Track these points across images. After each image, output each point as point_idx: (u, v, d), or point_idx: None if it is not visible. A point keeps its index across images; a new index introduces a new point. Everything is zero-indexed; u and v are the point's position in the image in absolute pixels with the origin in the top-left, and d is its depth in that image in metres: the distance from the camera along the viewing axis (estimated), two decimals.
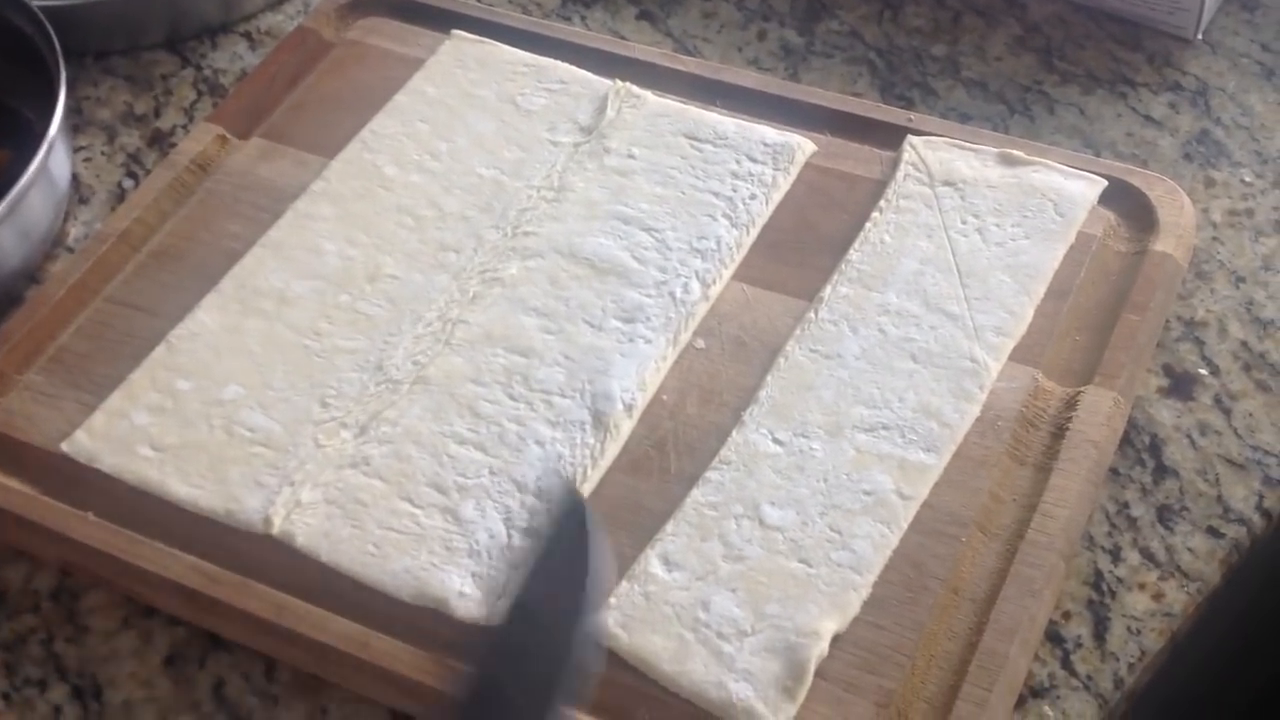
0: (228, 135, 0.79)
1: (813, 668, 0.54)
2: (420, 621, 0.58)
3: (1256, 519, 0.63)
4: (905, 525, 0.59)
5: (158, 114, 0.88)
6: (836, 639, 0.56)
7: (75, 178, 0.83)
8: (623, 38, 0.86)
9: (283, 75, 0.82)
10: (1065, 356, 0.65)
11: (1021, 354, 0.64)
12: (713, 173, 0.73)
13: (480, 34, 0.82)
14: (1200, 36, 0.82)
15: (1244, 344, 0.68)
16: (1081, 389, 0.63)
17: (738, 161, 0.73)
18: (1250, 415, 0.66)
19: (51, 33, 0.78)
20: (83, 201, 0.83)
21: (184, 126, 0.86)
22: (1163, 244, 0.68)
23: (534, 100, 0.78)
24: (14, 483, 0.65)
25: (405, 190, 0.74)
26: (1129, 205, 0.70)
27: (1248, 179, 0.75)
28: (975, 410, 0.62)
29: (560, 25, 0.86)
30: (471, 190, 0.74)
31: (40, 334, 0.70)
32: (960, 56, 0.84)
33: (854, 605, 0.56)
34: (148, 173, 0.82)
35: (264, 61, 0.84)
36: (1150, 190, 0.70)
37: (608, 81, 0.78)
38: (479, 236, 0.72)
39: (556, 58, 0.81)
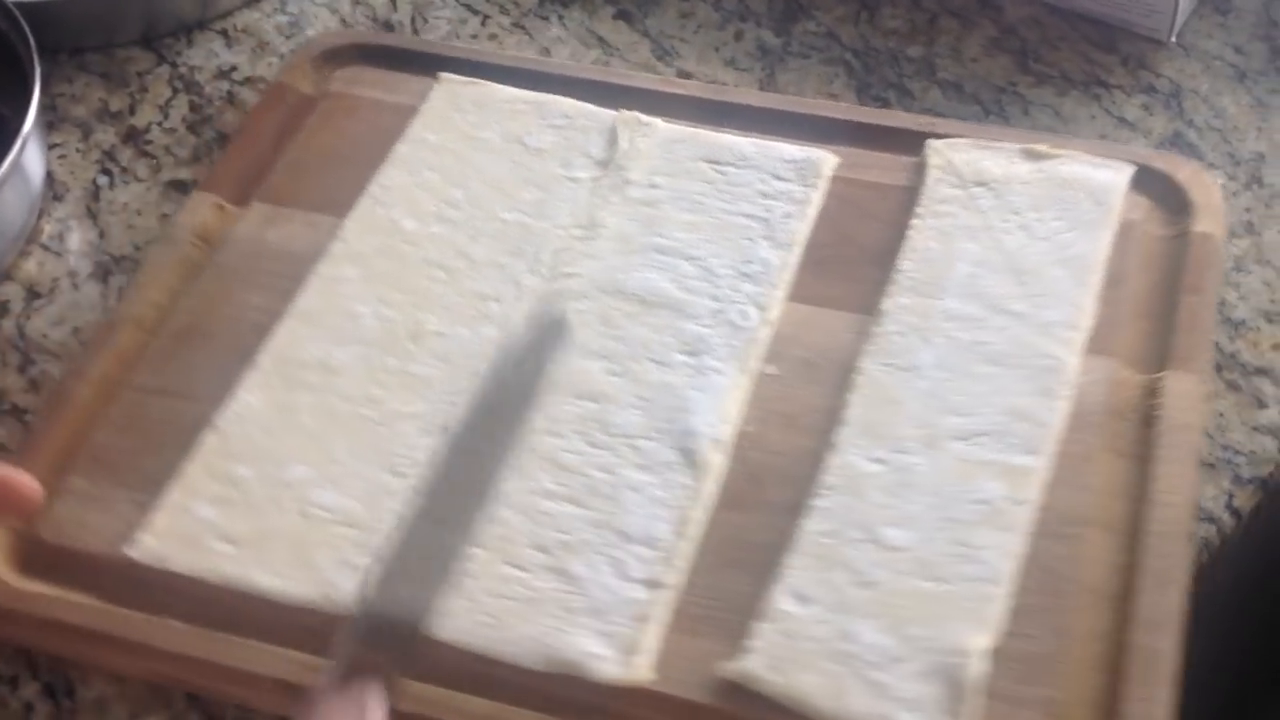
0: (224, 204, 0.75)
1: (973, 686, 0.54)
2: (555, 689, 0.56)
3: (1226, 518, 0.64)
4: (1026, 530, 0.58)
5: (133, 111, 0.86)
6: (989, 654, 0.55)
7: (49, 175, 0.81)
8: (601, 38, 0.86)
9: (268, 135, 0.79)
10: (1136, 344, 0.66)
11: (1094, 346, 0.65)
12: (741, 195, 0.72)
13: (465, 74, 0.80)
14: (1174, 39, 0.83)
15: (1215, 344, 0.69)
16: (1160, 375, 0.64)
17: (764, 181, 0.72)
18: (1221, 415, 0.67)
19: (26, 29, 0.76)
20: (57, 199, 0.81)
21: (159, 124, 0.85)
22: (1202, 225, 0.69)
23: (541, 138, 0.76)
24: (77, 596, 0.60)
25: (429, 243, 0.72)
26: (1159, 189, 0.71)
27: (1220, 181, 0.76)
28: (1065, 407, 0.62)
29: (548, 60, 0.85)
30: (498, 236, 0.72)
31: (71, 435, 0.66)
32: (936, 58, 0.85)
33: (997, 617, 0.56)
34: (124, 170, 0.82)
35: (245, 123, 0.81)
36: (1177, 173, 0.72)
37: (612, 112, 0.77)
38: (517, 283, 0.69)
39: (549, 92, 0.79)
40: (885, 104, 0.81)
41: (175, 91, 0.87)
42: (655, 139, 0.75)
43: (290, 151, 0.78)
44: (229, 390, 0.66)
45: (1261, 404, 0.67)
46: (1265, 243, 0.72)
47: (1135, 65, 0.83)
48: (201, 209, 0.75)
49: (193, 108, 0.86)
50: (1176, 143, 0.78)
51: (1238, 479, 0.65)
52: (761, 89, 0.82)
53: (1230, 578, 0.68)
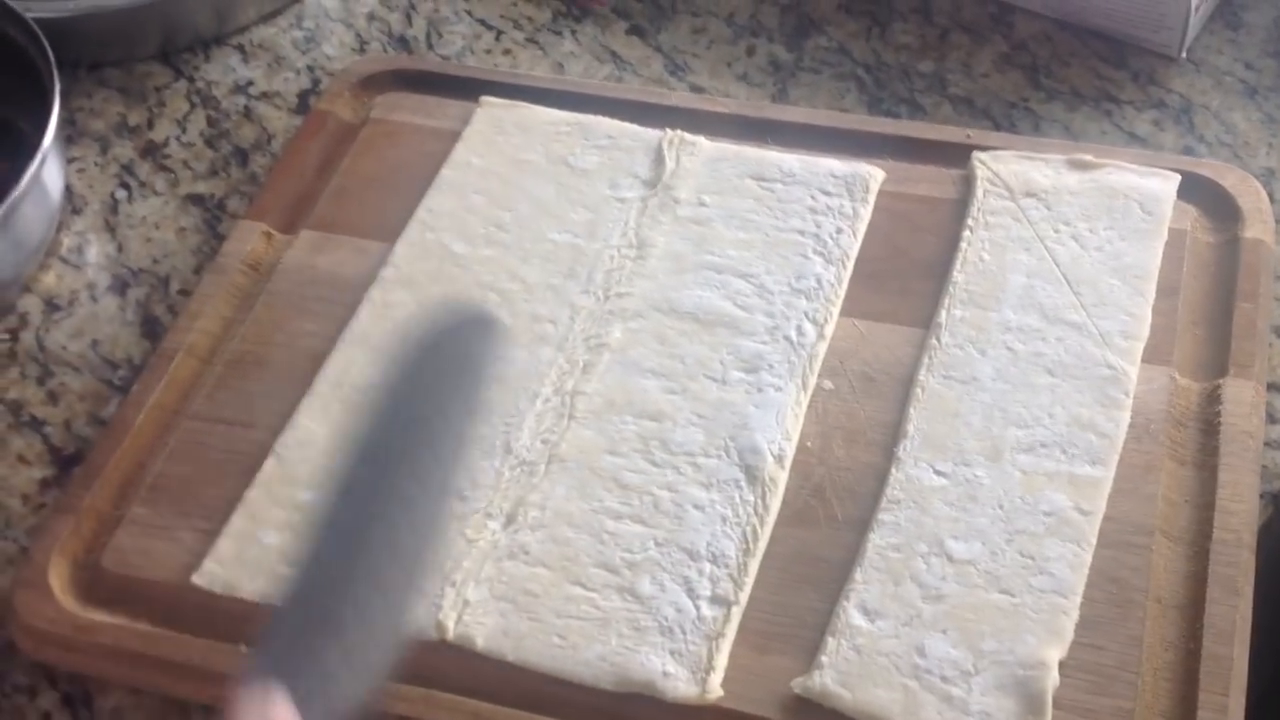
0: (272, 231, 0.76)
1: (1050, 699, 0.54)
2: (628, 709, 0.56)
3: None
4: (1094, 541, 0.58)
5: (151, 125, 0.87)
6: (1060, 665, 0.55)
7: (68, 188, 0.82)
8: (614, 53, 0.87)
9: (312, 162, 0.79)
10: (1193, 352, 0.66)
11: (1151, 355, 0.65)
12: (791, 210, 0.72)
13: (504, 97, 0.80)
14: (1184, 54, 0.83)
15: None
16: (1219, 382, 0.64)
17: (813, 197, 0.73)
18: None
19: (45, 44, 0.77)
20: (75, 212, 0.82)
21: (177, 138, 0.86)
22: (1252, 230, 0.69)
23: (586, 159, 0.76)
24: (145, 626, 0.60)
25: (481, 266, 0.72)
26: (1206, 197, 0.71)
27: None
28: (1126, 416, 0.62)
29: (588, 80, 0.85)
30: (549, 258, 0.72)
31: (129, 464, 0.66)
32: (947, 73, 0.85)
33: (1069, 629, 0.56)
34: (142, 184, 0.83)
35: (287, 150, 0.81)
36: (1223, 180, 0.72)
37: (655, 131, 0.77)
38: (572, 304, 0.69)
39: (590, 113, 0.79)
40: (896, 119, 0.82)
41: (193, 106, 0.88)
42: (700, 158, 0.75)
43: (335, 178, 0.78)
44: (287, 417, 0.66)
45: (1273, 419, 0.67)
46: (1277, 258, 0.72)
47: (1146, 81, 0.83)
48: (250, 237, 0.75)
49: (210, 122, 0.87)
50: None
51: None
52: (774, 103, 0.83)
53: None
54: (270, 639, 0.44)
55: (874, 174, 0.73)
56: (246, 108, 0.87)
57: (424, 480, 0.47)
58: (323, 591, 0.45)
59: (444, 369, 0.50)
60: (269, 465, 0.64)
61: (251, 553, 0.61)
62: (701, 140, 0.76)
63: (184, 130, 0.86)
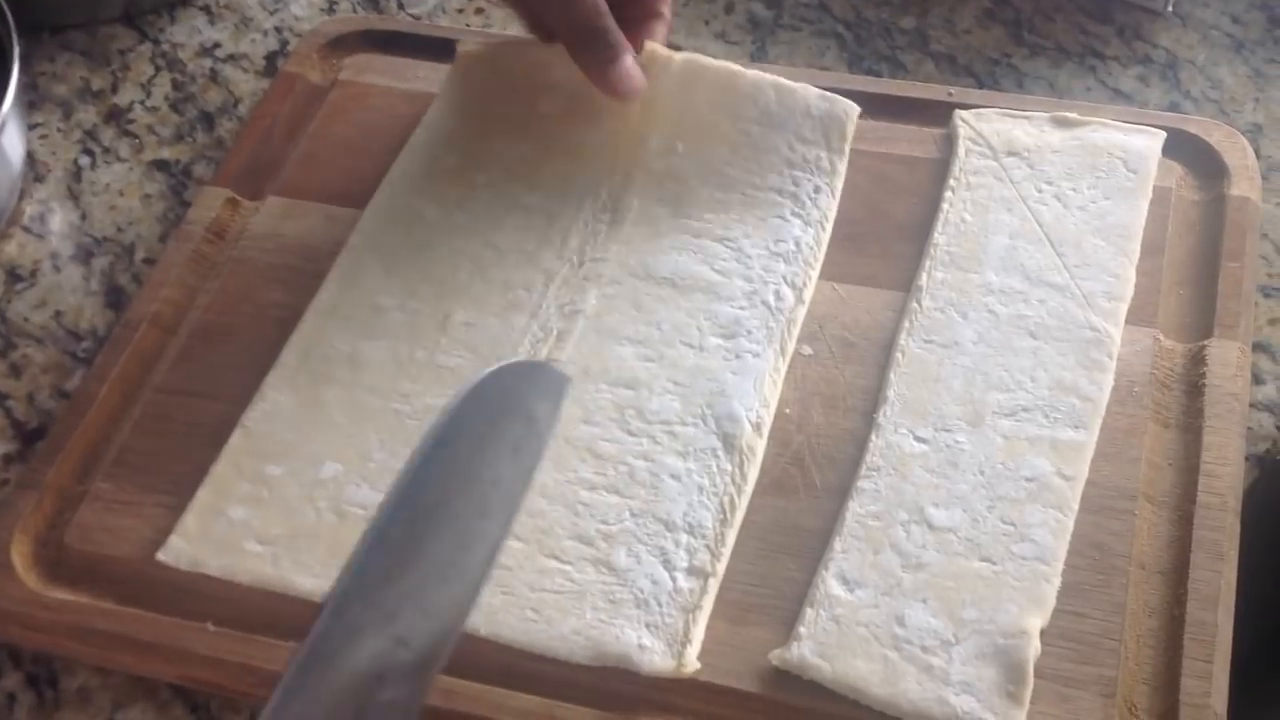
0: (238, 197, 0.74)
1: (1031, 668, 0.53)
2: (604, 683, 0.55)
3: None
4: (1076, 506, 0.57)
5: (115, 90, 0.85)
6: (1042, 634, 0.54)
7: (30, 155, 0.81)
8: None
9: (280, 126, 0.77)
10: (1177, 313, 0.64)
11: (1135, 316, 0.63)
12: (767, 164, 0.70)
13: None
14: (1170, 9, 0.82)
15: None
16: (1204, 343, 0.63)
17: (790, 147, 0.70)
18: None
19: (5, 7, 0.75)
20: (38, 180, 0.80)
21: (142, 102, 0.84)
22: (1238, 188, 0.68)
23: (554, 105, 0.74)
24: (110, 604, 0.59)
25: (453, 232, 0.70)
26: (1191, 154, 0.70)
27: None
28: (1109, 379, 0.61)
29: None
30: (523, 223, 0.70)
31: (93, 437, 0.65)
32: (929, 29, 0.83)
33: (1050, 597, 0.55)
34: (105, 150, 0.81)
35: (254, 114, 0.79)
36: (1209, 136, 0.70)
37: None
38: (545, 270, 0.68)
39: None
40: (877, 76, 0.80)
41: (158, 69, 0.86)
42: (673, 77, 0.71)
43: (303, 143, 0.76)
44: (254, 388, 0.65)
45: (1259, 380, 0.66)
46: (1263, 216, 0.71)
47: (1131, 36, 0.82)
48: (215, 204, 0.73)
49: (175, 86, 0.85)
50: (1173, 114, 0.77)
51: None
52: (753, 61, 0.81)
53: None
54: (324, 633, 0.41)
55: (850, 112, 0.70)
56: (213, 70, 0.85)
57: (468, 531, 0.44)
58: (378, 587, 0.42)
59: (501, 428, 0.46)
60: (235, 438, 0.63)
61: (218, 528, 0.60)
62: (675, 55, 0.72)
63: (149, 94, 0.84)
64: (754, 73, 0.72)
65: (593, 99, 0.71)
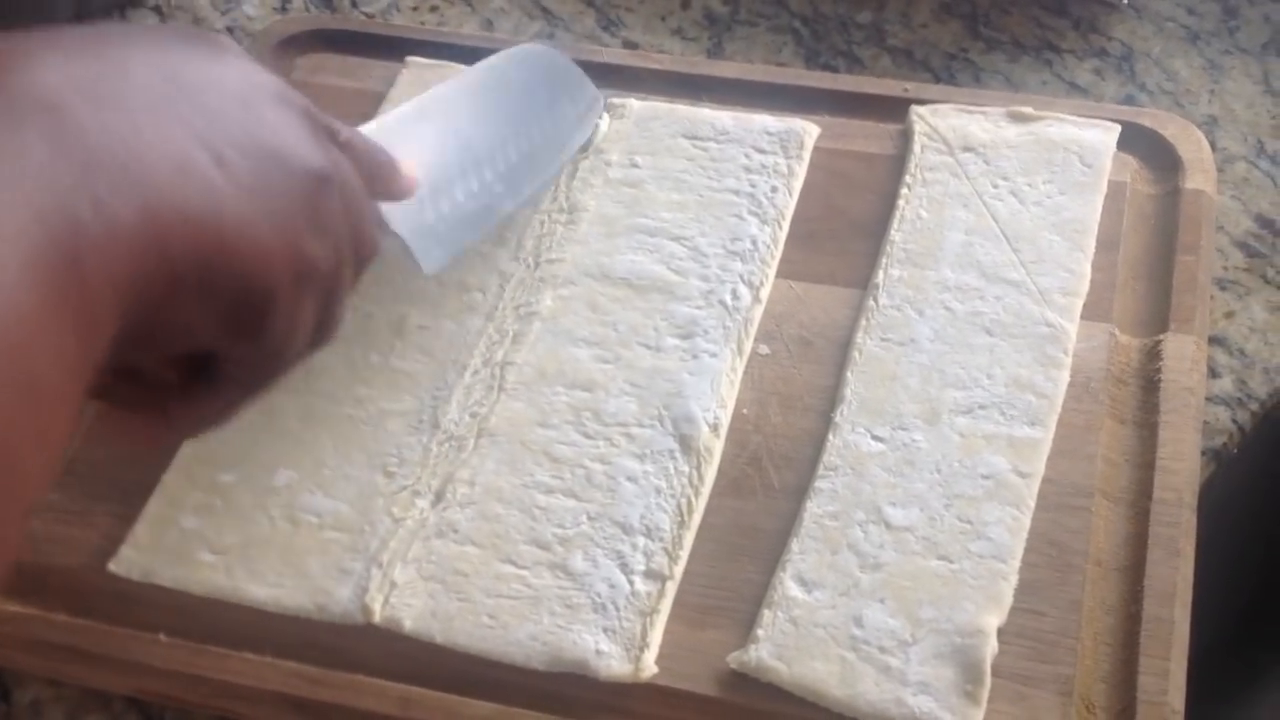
0: None
1: (989, 667, 0.53)
2: (561, 688, 0.54)
3: None
4: (1032, 504, 0.57)
5: None
6: (999, 632, 0.54)
7: None
8: (545, 8, 0.85)
9: None
10: (1133, 308, 0.64)
11: (1090, 311, 0.63)
12: (725, 170, 0.70)
13: (431, 57, 0.78)
14: (1126, 1, 0.82)
15: None
16: (1159, 338, 0.63)
17: (747, 155, 0.71)
18: None
19: None
20: None
21: None
22: (1192, 181, 0.68)
23: None
24: (61, 616, 0.58)
25: None
26: (1146, 147, 0.70)
27: None
28: (1066, 376, 0.61)
29: (517, 38, 0.83)
30: None
31: None
32: (885, 24, 0.83)
33: (1007, 595, 0.55)
34: None
35: None
36: (1164, 129, 0.70)
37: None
38: (501, 271, 0.67)
39: None
40: (834, 72, 0.80)
41: None
42: (631, 118, 0.73)
43: None
44: None
45: (1215, 374, 0.66)
46: (1218, 209, 0.71)
47: (1087, 29, 0.82)
48: None
49: None
50: (1129, 106, 0.77)
51: None
52: (709, 58, 0.81)
53: None
54: None
55: (809, 129, 0.72)
56: None
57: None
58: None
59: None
60: (187, 446, 0.62)
61: (170, 538, 0.59)
62: (631, 101, 0.74)
63: None
64: (712, 110, 0.74)
65: None
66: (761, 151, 0.71)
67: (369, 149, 0.53)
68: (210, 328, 0.43)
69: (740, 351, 0.64)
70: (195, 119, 0.42)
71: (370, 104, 0.76)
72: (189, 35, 0.46)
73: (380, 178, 0.54)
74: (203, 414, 0.49)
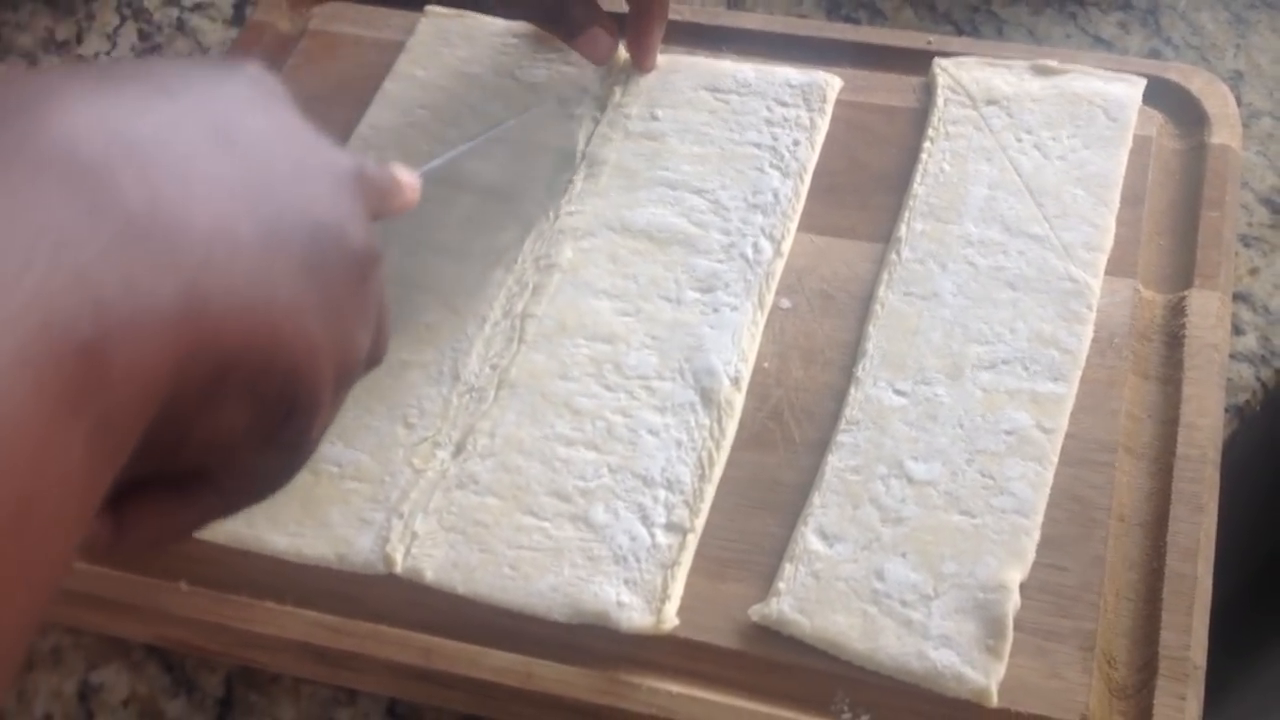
0: None
1: (1011, 622, 0.52)
2: (581, 640, 0.54)
3: None
4: (1055, 459, 0.57)
5: (80, 40, 0.84)
6: (1022, 587, 0.54)
7: None
8: None
9: None
10: (1157, 263, 0.64)
11: (1115, 266, 0.63)
12: (746, 123, 0.70)
13: (450, 6, 0.77)
14: None
15: None
16: (1184, 294, 0.62)
17: (769, 108, 0.70)
18: None
19: None
20: None
21: (107, 53, 0.82)
22: (1219, 136, 0.67)
23: (534, 73, 0.73)
24: (82, 563, 0.58)
25: (426, 183, 0.69)
26: (1172, 101, 0.69)
27: None
28: (1089, 331, 0.61)
29: None
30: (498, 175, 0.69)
31: None
32: None
33: (1030, 550, 0.55)
34: None
35: None
36: (1190, 84, 0.70)
37: None
38: (522, 221, 0.67)
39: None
40: (855, 24, 0.79)
41: (123, 19, 0.84)
42: (652, 71, 0.73)
43: None
44: None
45: (1239, 330, 0.66)
46: (1244, 164, 0.70)
47: None
48: None
49: (142, 36, 0.83)
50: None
51: None
52: (730, 9, 0.80)
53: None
54: None
55: (831, 82, 0.71)
56: (179, 20, 0.84)
57: None
58: None
59: None
60: None
61: None
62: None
63: (114, 45, 0.83)
64: (734, 61, 0.73)
65: (574, 77, 0.72)
66: (783, 104, 0.70)
67: (376, 177, 0.45)
68: (242, 433, 0.36)
69: (761, 305, 0.63)
70: (247, 185, 0.35)
71: (389, 53, 0.75)
72: (238, 76, 0.39)
73: (387, 206, 0.47)
74: (168, 527, 0.39)
